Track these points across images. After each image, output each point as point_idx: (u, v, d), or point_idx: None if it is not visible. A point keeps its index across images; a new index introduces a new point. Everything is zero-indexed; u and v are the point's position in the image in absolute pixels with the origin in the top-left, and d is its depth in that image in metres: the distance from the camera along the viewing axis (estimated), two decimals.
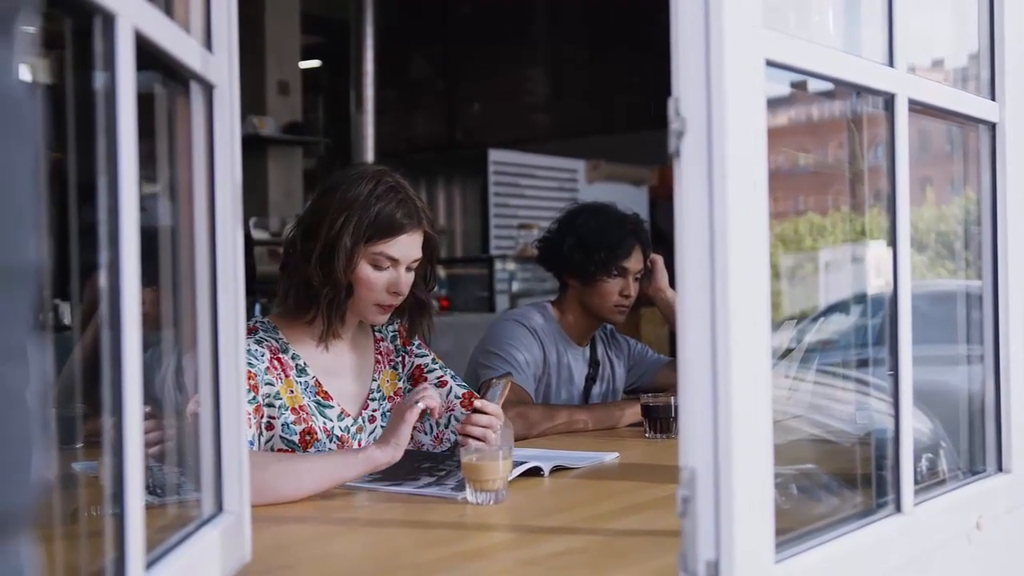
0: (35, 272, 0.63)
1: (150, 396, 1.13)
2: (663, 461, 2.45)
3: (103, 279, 1.04)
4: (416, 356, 2.50)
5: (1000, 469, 1.89)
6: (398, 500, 2.01)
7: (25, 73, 0.64)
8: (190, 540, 1.29)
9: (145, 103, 1.12)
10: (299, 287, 2.28)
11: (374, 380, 2.43)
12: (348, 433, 2.33)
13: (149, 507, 1.12)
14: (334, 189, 2.27)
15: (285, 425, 2.23)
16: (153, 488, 1.39)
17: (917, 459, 1.69)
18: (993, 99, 1.89)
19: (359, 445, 2.33)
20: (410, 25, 10.56)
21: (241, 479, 1.45)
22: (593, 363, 3.25)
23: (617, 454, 2.47)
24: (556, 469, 2.27)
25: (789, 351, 2.44)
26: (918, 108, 1.65)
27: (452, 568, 1.58)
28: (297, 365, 2.30)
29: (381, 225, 2.24)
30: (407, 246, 2.28)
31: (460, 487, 1.99)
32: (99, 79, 1.05)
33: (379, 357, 2.46)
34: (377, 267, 2.26)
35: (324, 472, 2.01)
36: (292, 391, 2.26)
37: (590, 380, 3.23)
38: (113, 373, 1.04)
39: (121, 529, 1.04)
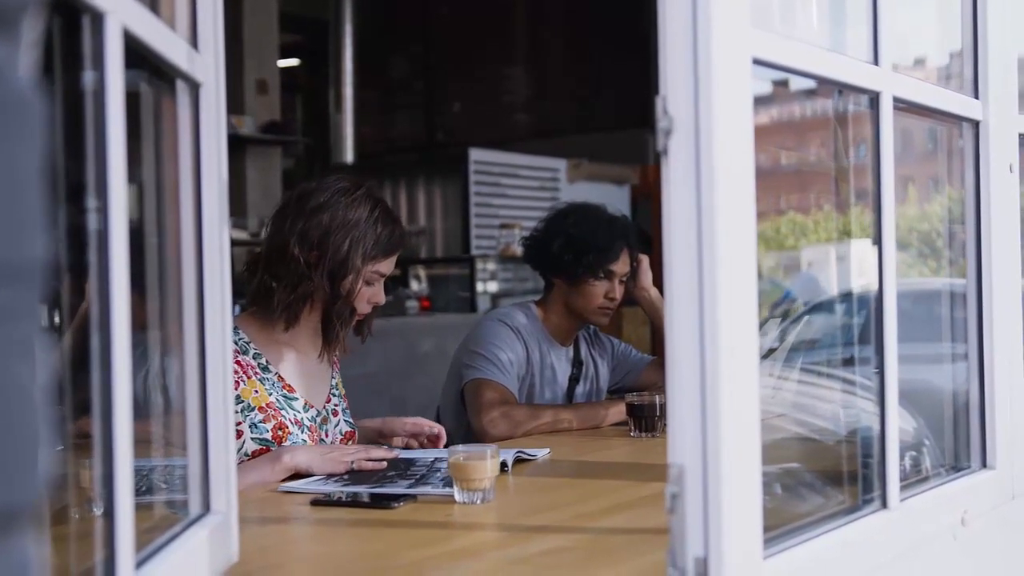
0: (41, 269, 0.63)
1: (133, 397, 1.12)
2: (648, 460, 2.46)
3: (92, 281, 1.03)
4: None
5: (984, 465, 1.90)
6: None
7: (29, 72, 0.64)
8: (178, 540, 1.28)
9: (130, 101, 1.11)
10: (302, 299, 2.37)
11: (333, 378, 2.56)
12: (315, 423, 2.43)
13: (135, 507, 1.12)
14: (329, 207, 2.36)
15: (253, 426, 2.31)
16: (138, 488, 1.38)
17: (901, 457, 1.70)
18: (976, 97, 1.90)
19: (326, 436, 2.45)
20: (390, 24, 10.56)
21: (228, 480, 1.44)
22: (577, 363, 3.25)
23: (548, 450, 2.50)
24: (518, 461, 2.33)
25: (772, 350, 2.45)
26: (902, 106, 1.66)
27: (441, 568, 1.58)
28: (259, 363, 2.38)
29: (383, 246, 2.40)
30: (394, 262, 2.47)
31: (449, 483, 1.99)
32: (87, 77, 1.05)
33: (334, 359, 2.58)
34: (368, 283, 2.41)
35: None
36: (256, 391, 2.34)
37: (574, 380, 3.23)
38: (102, 373, 1.04)
39: (111, 529, 1.03)
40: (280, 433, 2.32)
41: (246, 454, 2.27)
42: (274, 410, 2.34)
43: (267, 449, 2.28)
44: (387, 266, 2.43)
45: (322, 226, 2.34)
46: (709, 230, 1.21)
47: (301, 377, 2.45)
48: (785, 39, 1.40)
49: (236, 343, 2.34)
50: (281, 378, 2.40)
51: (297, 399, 2.41)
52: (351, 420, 2.56)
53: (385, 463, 2.24)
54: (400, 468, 2.24)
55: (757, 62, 1.30)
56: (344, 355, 2.58)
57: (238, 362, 2.32)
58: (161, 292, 1.40)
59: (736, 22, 1.25)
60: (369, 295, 2.42)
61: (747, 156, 1.27)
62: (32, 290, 0.63)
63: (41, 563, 0.66)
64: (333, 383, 2.55)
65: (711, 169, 1.21)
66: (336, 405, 2.53)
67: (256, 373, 2.36)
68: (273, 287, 2.35)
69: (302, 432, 2.37)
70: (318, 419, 2.44)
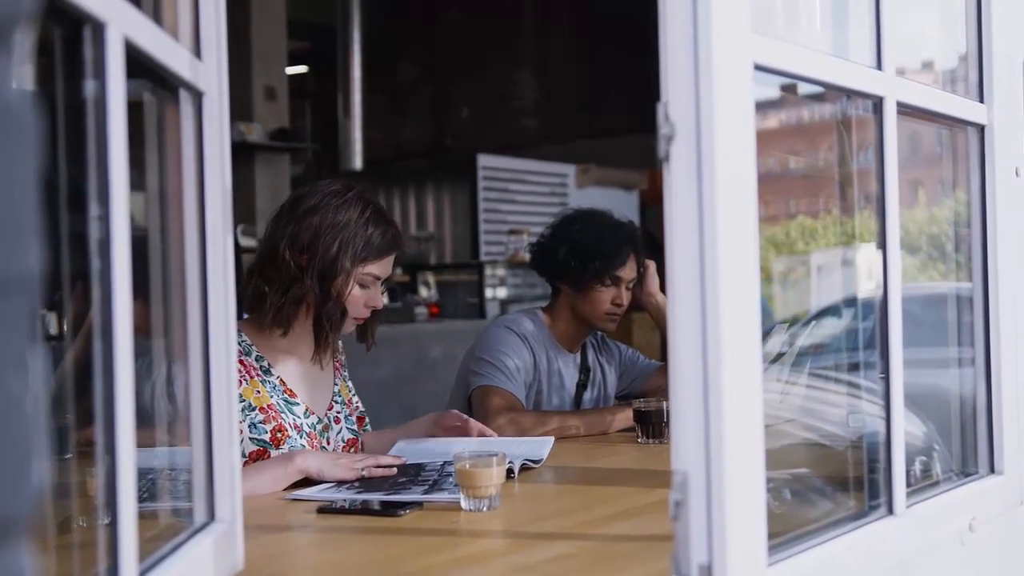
0: (35, 281, 0.64)
1: (140, 406, 1.12)
2: (655, 466, 2.45)
3: (95, 289, 1.03)
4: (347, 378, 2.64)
5: (992, 471, 1.89)
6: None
7: (24, 82, 0.64)
8: (183, 549, 1.28)
9: (134, 111, 1.11)
10: (294, 303, 2.36)
11: (335, 385, 2.55)
12: (315, 430, 2.43)
13: (140, 515, 1.12)
14: (320, 210, 2.37)
15: (253, 426, 2.31)
16: (142, 496, 1.39)
17: (911, 462, 1.69)
18: (981, 101, 1.89)
19: (327, 443, 2.45)
20: (397, 30, 10.57)
21: (233, 488, 1.44)
22: (584, 369, 3.25)
23: (551, 439, 2.52)
24: (524, 468, 2.33)
25: (781, 355, 2.44)
26: (907, 111, 1.66)
27: (446, 575, 1.58)
28: (262, 366, 2.38)
29: (374, 248, 2.38)
30: (390, 265, 2.44)
31: (458, 490, 1.99)
32: (88, 87, 1.05)
33: (336, 365, 2.58)
34: (362, 286, 2.40)
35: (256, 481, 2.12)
36: (259, 391, 2.35)
37: (581, 386, 3.23)
38: (105, 382, 1.04)
39: (114, 537, 1.04)
40: (279, 436, 2.32)
41: (244, 454, 2.27)
42: (274, 412, 2.34)
43: (265, 451, 2.28)
44: (380, 268, 2.41)
45: (312, 228, 2.34)
46: (711, 235, 1.21)
47: (303, 383, 2.44)
48: (787, 44, 1.40)
49: (239, 345, 2.34)
50: (283, 382, 2.40)
51: (298, 404, 2.40)
52: (354, 428, 2.55)
53: (395, 470, 2.24)
54: (411, 474, 2.24)
55: (758, 68, 1.30)
56: (338, 357, 2.58)
57: (241, 362, 2.32)
58: (166, 301, 1.40)
59: (737, 28, 1.25)
60: (365, 298, 2.40)
61: (749, 161, 1.27)
62: (26, 301, 0.63)
63: (37, 573, 0.66)
64: (335, 390, 2.54)
65: (712, 174, 1.20)
66: (339, 413, 2.52)
67: (258, 374, 2.36)
68: (265, 292, 2.35)
69: (301, 437, 2.36)
70: (319, 426, 2.44)
